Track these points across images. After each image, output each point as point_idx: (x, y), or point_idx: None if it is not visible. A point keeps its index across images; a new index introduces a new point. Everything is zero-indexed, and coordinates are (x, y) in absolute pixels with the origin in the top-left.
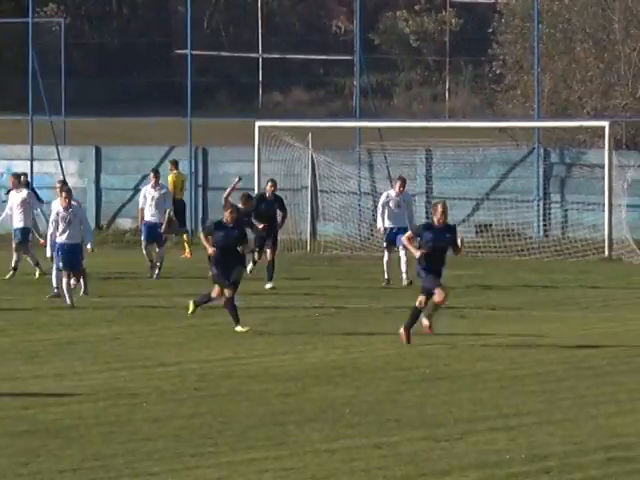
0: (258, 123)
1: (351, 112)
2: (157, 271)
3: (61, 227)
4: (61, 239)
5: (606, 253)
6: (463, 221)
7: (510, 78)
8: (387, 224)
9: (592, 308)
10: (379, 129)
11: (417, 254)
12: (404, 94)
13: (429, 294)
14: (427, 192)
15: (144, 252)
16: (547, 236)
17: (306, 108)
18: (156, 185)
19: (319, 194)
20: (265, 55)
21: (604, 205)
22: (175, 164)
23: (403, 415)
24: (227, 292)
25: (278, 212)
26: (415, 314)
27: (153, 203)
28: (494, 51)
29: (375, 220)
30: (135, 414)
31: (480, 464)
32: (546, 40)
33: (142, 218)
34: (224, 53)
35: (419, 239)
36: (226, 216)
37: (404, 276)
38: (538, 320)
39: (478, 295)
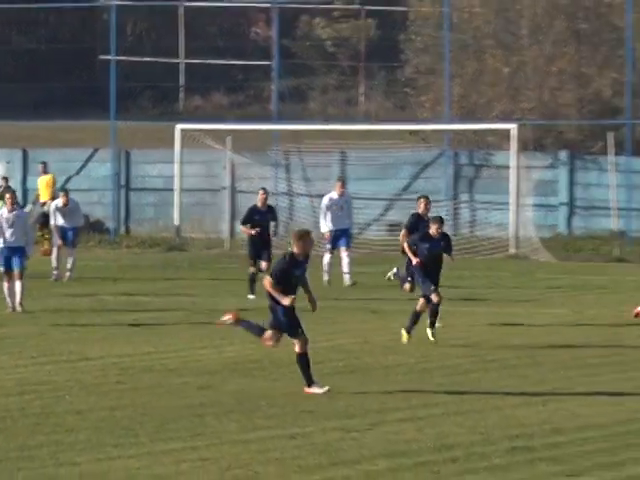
0: (179, 126)
1: (269, 115)
2: (69, 273)
3: (5, 229)
4: (4, 241)
5: (512, 251)
6: (376, 220)
7: (422, 83)
8: (330, 227)
9: (498, 304)
10: (295, 132)
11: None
12: (320, 98)
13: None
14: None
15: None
16: (455, 235)
17: (226, 112)
18: (66, 204)
19: (237, 194)
20: (186, 60)
21: (510, 205)
22: (44, 166)
23: (317, 407)
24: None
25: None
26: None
27: (63, 214)
28: (406, 57)
29: (319, 223)
30: (59, 406)
31: (389, 453)
32: (456, 46)
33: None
34: (147, 58)
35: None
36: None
37: (347, 277)
38: (446, 315)
39: (389, 291)
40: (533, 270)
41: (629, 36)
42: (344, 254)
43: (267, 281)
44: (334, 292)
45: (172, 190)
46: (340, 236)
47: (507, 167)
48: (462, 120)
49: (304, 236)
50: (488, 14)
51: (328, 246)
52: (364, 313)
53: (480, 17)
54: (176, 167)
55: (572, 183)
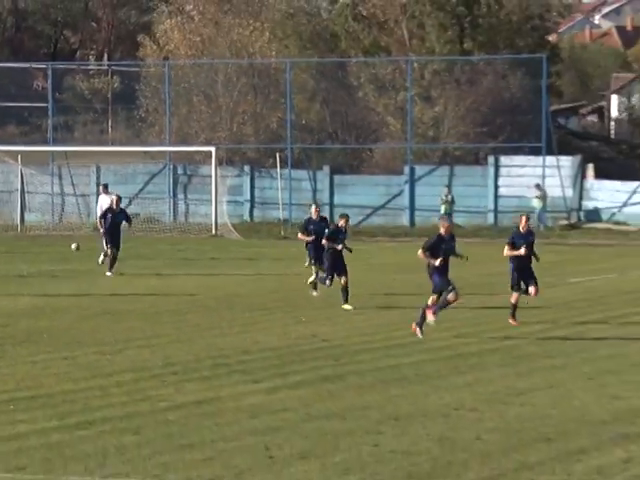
0: None
1: (46, 140)
2: None
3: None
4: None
5: (213, 232)
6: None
7: (150, 119)
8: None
9: (205, 268)
10: (65, 152)
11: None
12: (82, 129)
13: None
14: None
15: None
16: (175, 221)
17: (17, 138)
18: None
19: (26, 194)
20: None
21: (212, 201)
22: None
23: (82, 338)
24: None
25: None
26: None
27: None
28: (140, 102)
29: None
30: None
31: (133, 369)
32: (174, 94)
33: None
34: None
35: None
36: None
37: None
38: (172, 277)
39: (136, 260)
40: (227, 245)
41: (288, 91)
42: None
43: (420, 252)
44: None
45: None
46: None
47: (209, 176)
48: (178, 144)
49: (446, 220)
50: (196, 71)
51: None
52: (116, 278)
53: (190, 72)
54: None
55: (252, 187)
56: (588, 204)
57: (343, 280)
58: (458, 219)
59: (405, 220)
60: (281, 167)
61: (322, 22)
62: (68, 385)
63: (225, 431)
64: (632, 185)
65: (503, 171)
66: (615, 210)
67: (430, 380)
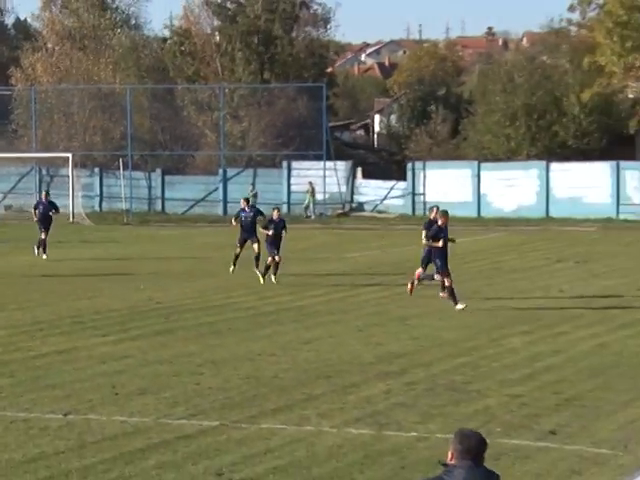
0: None
1: None
2: None
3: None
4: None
5: (71, 220)
6: None
7: (20, 132)
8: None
9: (65, 247)
10: None
11: (440, 244)
12: None
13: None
14: None
15: None
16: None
17: None
18: None
19: None
20: None
21: (69, 196)
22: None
23: None
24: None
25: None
26: (451, 290)
27: None
28: (12, 118)
29: None
30: None
31: (7, 326)
32: (39, 112)
33: None
34: None
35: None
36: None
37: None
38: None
39: (15, 242)
40: (81, 229)
41: (129, 110)
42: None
43: (425, 240)
44: None
45: None
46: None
47: (67, 176)
48: (42, 151)
49: (446, 214)
50: (57, 94)
51: None
52: None
53: (52, 95)
54: None
55: (101, 184)
56: (358, 198)
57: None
58: (263, 208)
59: (220, 210)
60: (124, 169)
61: (155, 55)
62: None
63: (80, 374)
64: (390, 183)
65: (294, 172)
66: (378, 202)
67: (239, 333)
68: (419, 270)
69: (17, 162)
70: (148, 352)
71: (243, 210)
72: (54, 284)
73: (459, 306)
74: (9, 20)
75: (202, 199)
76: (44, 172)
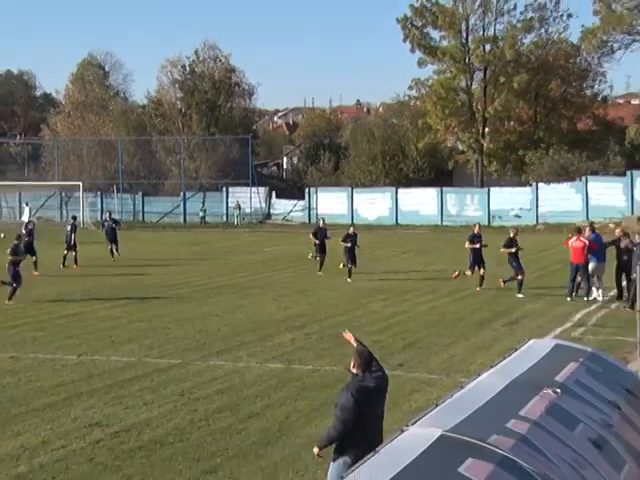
0: None
1: None
2: None
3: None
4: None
5: (82, 226)
6: None
7: (47, 168)
8: None
9: None
10: None
11: (513, 250)
12: (10, 174)
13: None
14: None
15: None
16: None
17: None
18: None
19: None
20: None
21: (80, 210)
22: None
23: None
24: None
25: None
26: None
27: None
28: (42, 159)
29: None
30: None
31: None
32: (60, 155)
33: None
34: None
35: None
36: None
37: None
38: None
39: None
40: None
41: (120, 152)
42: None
43: (470, 245)
44: None
45: None
46: None
47: (79, 197)
48: (63, 180)
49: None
50: (73, 143)
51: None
52: None
53: (69, 144)
54: None
55: (102, 203)
56: (273, 211)
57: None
58: (209, 220)
59: (181, 220)
60: (117, 192)
61: (137, 117)
62: None
63: (88, 329)
64: (294, 202)
65: (230, 195)
66: (286, 214)
67: (195, 301)
68: (468, 272)
69: (45, 188)
70: (134, 314)
71: (320, 229)
72: (71, 269)
73: (520, 295)
74: (39, 92)
75: (169, 212)
76: (63, 195)
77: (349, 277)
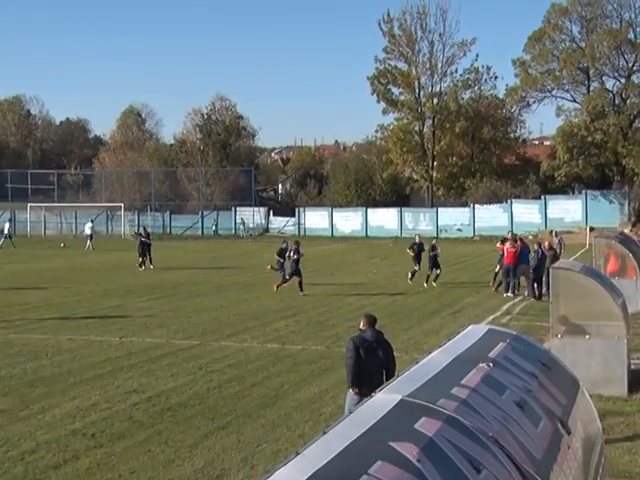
0: None
1: (54, 200)
2: None
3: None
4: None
5: (122, 237)
6: None
7: (97, 193)
8: None
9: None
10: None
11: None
12: (67, 196)
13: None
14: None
15: None
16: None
17: (42, 200)
18: None
19: (46, 222)
20: None
21: (121, 225)
22: None
23: None
24: None
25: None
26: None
27: None
28: (93, 186)
29: None
30: None
31: None
32: (108, 194)
33: None
34: None
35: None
36: None
37: None
38: None
39: None
40: None
41: (153, 179)
42: None
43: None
44: None
45: None
46: None
47: (120, 215)
48: (108, 202)
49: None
50: (116, 173)
51: None
52: None
53: (114, 174)
54: None
55: (139, 220)
56: (271, 226)
57: (438, 271)
58: (221, 232)
59: (199, 232)
60: (150, 211)
61: (166, 153)
62: None
63: (128, 317)
64: (287, 219)
65: (238, 213)
66: (281, 228)
67: (210, 295)
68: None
69: (95, 209)
70: (163, 305)
71: (415, 243)
72: (113, 271)
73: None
74: (91, 135)
75: (190, 227)
76: (109, 213)
77: (411, 279)
